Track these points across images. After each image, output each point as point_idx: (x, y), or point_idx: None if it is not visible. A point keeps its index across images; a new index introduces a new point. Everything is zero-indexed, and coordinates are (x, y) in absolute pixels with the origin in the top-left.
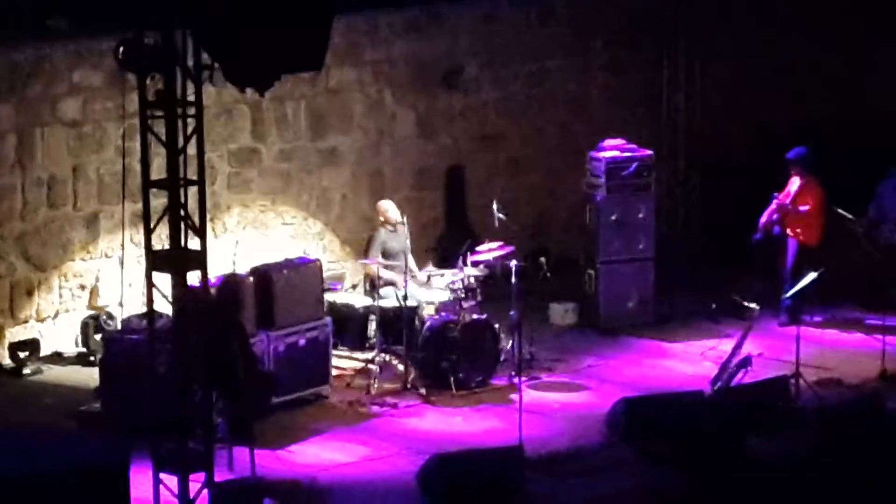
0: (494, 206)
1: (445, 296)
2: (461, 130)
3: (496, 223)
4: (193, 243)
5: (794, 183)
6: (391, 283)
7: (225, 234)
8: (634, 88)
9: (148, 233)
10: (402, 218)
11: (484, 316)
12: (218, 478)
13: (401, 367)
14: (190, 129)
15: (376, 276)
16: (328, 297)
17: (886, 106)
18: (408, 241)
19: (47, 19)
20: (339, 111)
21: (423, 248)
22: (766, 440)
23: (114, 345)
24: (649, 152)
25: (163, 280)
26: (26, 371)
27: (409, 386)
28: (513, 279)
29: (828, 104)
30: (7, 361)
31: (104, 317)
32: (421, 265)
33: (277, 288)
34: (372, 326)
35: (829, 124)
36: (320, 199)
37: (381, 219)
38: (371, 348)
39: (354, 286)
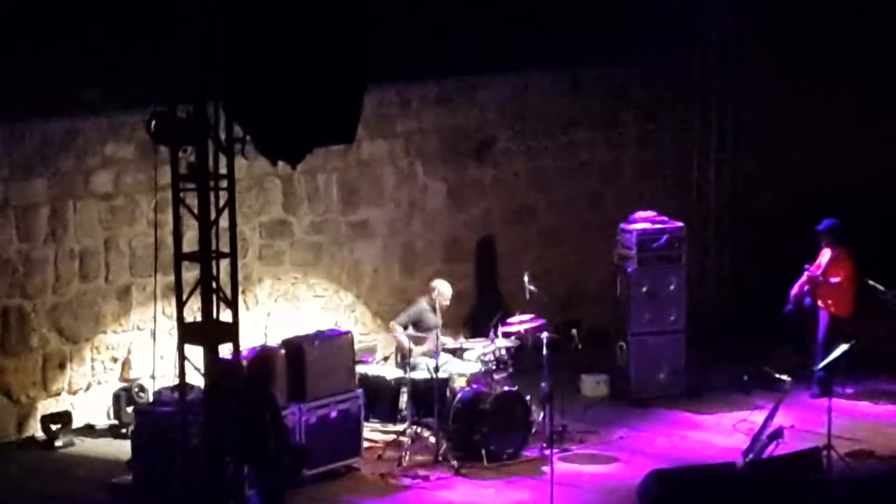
0: (525, 278)
1: (477, 367)
2: (492, 202)
3: (527, 295)
4: (225, 316)
5: (825, 255)
6: (419, 350)
7: (256, 306)
8: (665, 159)
9: (180, 305)
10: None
11: (515, 388)
12: None
13: (432, 439)
14: (222, 202)
15: (402, 345)
16: (359, 369)
17: None
18: (440, 318)
19: (79, 93)
20: (371, 183)
21: (455, 321)
22: None
23: (145, 417)
24: (680, 224)
25: (195, 352)
26: (58, 443)
27: (440, 458)
28: (544, 351)
29: (858, 173)
30: (39, 434)
31: (136, 389)
32: (455, 336)
33: (309, 360)
34: (403, 398)
35: (861, 193)
36: (351, 271)
37: (433, 295)
38: (402, 420)
39: (386, 358)
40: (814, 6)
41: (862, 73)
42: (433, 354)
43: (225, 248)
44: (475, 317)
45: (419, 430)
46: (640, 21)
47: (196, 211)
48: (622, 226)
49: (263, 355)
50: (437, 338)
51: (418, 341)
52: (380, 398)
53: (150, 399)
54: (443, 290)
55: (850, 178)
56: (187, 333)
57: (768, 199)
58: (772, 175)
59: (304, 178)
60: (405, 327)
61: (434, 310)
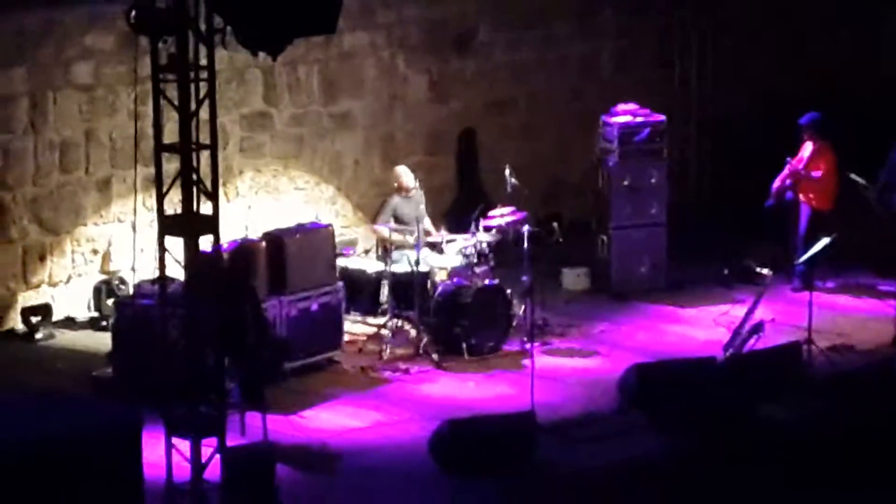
0: (507, 171)
1: (458, 261)
2: (473, 94)
3: (508, 188)
4: (206, 208)
5: (807, 148)
6: (403, 246)
7: (237, 198)
8: (645, 55)
9: (160, 197)
10: (416, 183)
11: (496, 281)
12: (230, 443)
13: (413, 333)
14: (202, 94)
15: (388, 240)
16: (340, 262)
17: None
18: (422, 207)
19: None
20: (352, 75)
21: (436, 213)
22: (778, 406)
23: (126, 310)
24: (662, 117)
25: (175, 245)
26: (39, 336)
27: (421, 351)
28: (525, 244)
29: (839, 71)
30: (20, 326)
31: (116, 281)
32: (436, 229)
33: (290, 253)
34: (384, 291)
35: (840, 91)
36: (332, 163)
37: (395, 184)
38: (383, 313)
39: (367, 251)
40: None
41: None
42: (414, 246)
43: (205, 140)
44: (456, 210)
45: (400, 323)
46: None
47: (176, 102)
48: (604, 118)
49: (244, 248)
50: (419, 228)
51: (405, 235)
52: (360, 291)
53: (131, 292)
54: (401, 172)
55: (828, 76)
56: (167, 225)
57: (746, 98)
58: (750, 69)
59: (285, 70)
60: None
61: (407, 197)
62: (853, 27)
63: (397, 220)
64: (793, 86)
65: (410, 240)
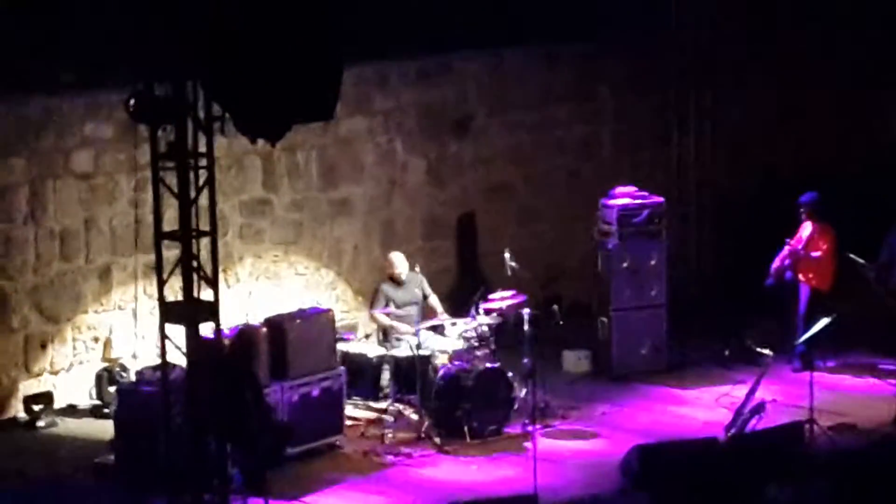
0: (506, 255)
1: (459, 344)
2: (471, 179)
3: (508, 271)
4: (206, 294)
5: (806, 228)
6: (402, 333)
7: (238, 284)
8: (643, 134)
9: (160, 284)
10: (409, 269)
11: (497, 364)
12: None
13: (415, 417)
14: (201, 181)
15: (386, 326)
16: (341, 346)
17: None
18: (418, 291)
19: (58, 72)
20: (350, 161)
21: (437, 297)
22: (782, 487)
23: (128, 397)
24: (660, 199)
25: (176, 332)
26: (41, 424)
27: (423, 435)
28: (525, 327)
29: (837, 149)
30: (21, 414)
31: (118, 369)
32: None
33: (290, 338)
34: (385, 376)
35: (838, 168)
36: (332, 249)
37: (388, 271)
38: (385, 398)
39: (367, 336)
40: None
41: (836, 43)
42: (414, 330)
43: (205, 227)
44: (456, 294)
45: (402, 407)
46: None
47: (176, 190)
48: (602, 201)
49: (245, 334)
50: (421, 312)
51: (402, 321)
52: (362, 376)
53: (132, 379)
54: (393, 259)
55: (826, 154)
56: (168, 312)
57: (746, 174)
58: (749, 149)
59: (284, 156)
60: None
61: (399, 284)
62: (855, 106)
63: (391, 306)
64: (794, 163)
65: (407, 329)
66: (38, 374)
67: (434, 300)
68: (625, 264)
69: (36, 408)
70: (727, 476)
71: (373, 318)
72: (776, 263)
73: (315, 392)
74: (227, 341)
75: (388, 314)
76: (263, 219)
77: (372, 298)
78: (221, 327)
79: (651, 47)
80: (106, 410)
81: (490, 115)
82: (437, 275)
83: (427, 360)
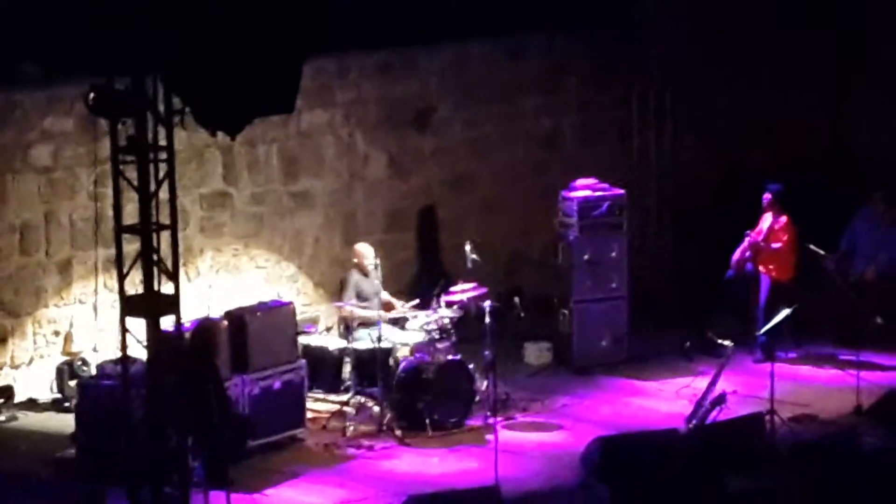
0: (467, 247)
1: (420, 337)
2: (433, 171)
3: (469, 264)
4: (167, 288)
5: (766, 220)
6: (368, 324)
7: (198, 277)
8: (606, 127)
9: (121, 278)
10: (375, 261)
11: (458, 356)
12: None
13: (376, 409)
14: (162, 174)
15: (352, 317)
16: (302, 339)
17: (857, 143)
18: (378, 283)
19: (18, 65)
20: (311, 154)
21: (395, 290)
22: (742, 478)
23: (88, 391)
24: (621, 191)
25: (137, 325)
26: (1, 418)
27: (384, 428)
28: (487, 319)
29: (799, 141)
30: None
31: (79, 363)
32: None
33: (251, 331)
34: (346, 368)
35: (800, 162)
36: (293, 242)
37: (356, 261)
38: (346, 390)
39: (328, 329)
40: None
41: (799, 42)
42: (377, 323)
43: (165, 220)
44: (417, 286)
45: (363, 400)
46: None
47: (136, 183)
48: (563, 193)
49: (205, 327)
50: (379, 305)
51: (368, 311)
52: (323, 368)
53: (93, 372)
54: (362, 251)
55: (790, 148)
56: (129, 306)
57: (706, 170)
58: (711, 143)
59: (244, 149)
60: None
61: (366, 275)
62: (814, 94)
63: (358, 296)
64: (754, 156)
65: (383, 315)
66: None
67: (386, 295)
68: (586, 256)
69: None
70: (688, 467)
71: (341, 310)
72: (737, 255)
73: (276, 385)
74: (187, 334)
75: (353, 307)
76: (224, 212)
77: (340, 288)
78: (182, 320)
79: (616, 41)
80: (67, 404)
81: (454, 107)
82: (398, 267)
83: (388, 352)
